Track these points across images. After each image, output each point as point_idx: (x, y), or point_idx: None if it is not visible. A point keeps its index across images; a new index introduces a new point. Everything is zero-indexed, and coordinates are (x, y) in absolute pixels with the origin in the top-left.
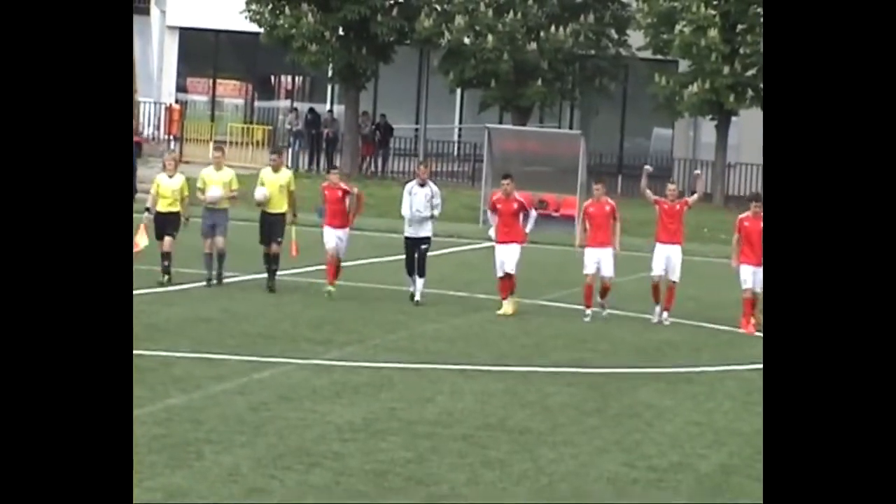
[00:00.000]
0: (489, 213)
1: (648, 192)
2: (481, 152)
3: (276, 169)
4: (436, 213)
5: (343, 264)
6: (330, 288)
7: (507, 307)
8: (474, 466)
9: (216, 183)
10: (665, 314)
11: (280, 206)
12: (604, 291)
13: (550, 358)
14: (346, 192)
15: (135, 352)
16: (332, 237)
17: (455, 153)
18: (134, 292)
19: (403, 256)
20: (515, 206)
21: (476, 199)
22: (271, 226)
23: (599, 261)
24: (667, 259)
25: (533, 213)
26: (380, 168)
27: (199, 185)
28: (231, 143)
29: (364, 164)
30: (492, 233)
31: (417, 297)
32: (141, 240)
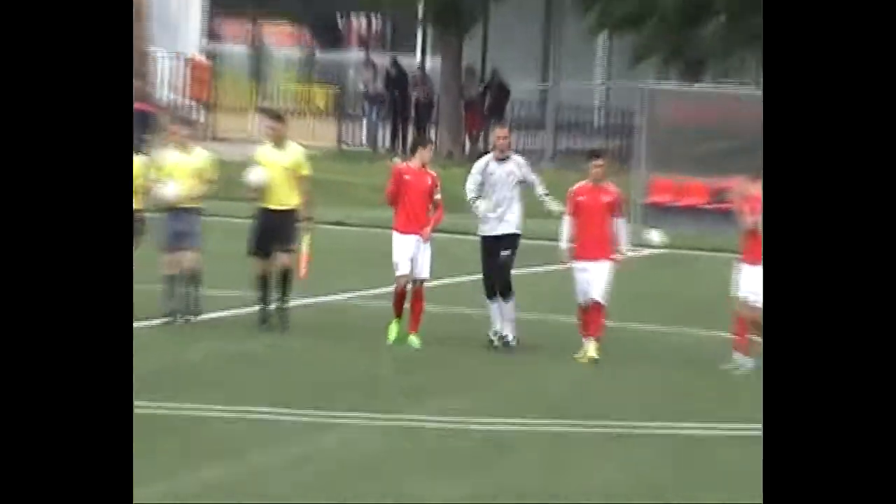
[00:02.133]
0: (567, 214)
1: None
2: (634, 123)
3: (277, 143)
4: (541, 189)
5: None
6: (413, 339)
7: (591, 349)
8: None
9: (177, 174)
10: None
11: (288, 198)
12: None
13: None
14: (434, 183)
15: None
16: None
17: (596, 124)
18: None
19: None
20: (607, 199)
21: (625, 188)
22: (275, 229)
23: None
24: None
25: (623, 228)
26: (490, 145)
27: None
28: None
29: (469, 139)
30: (562, 243)
31: (507, 335)
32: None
